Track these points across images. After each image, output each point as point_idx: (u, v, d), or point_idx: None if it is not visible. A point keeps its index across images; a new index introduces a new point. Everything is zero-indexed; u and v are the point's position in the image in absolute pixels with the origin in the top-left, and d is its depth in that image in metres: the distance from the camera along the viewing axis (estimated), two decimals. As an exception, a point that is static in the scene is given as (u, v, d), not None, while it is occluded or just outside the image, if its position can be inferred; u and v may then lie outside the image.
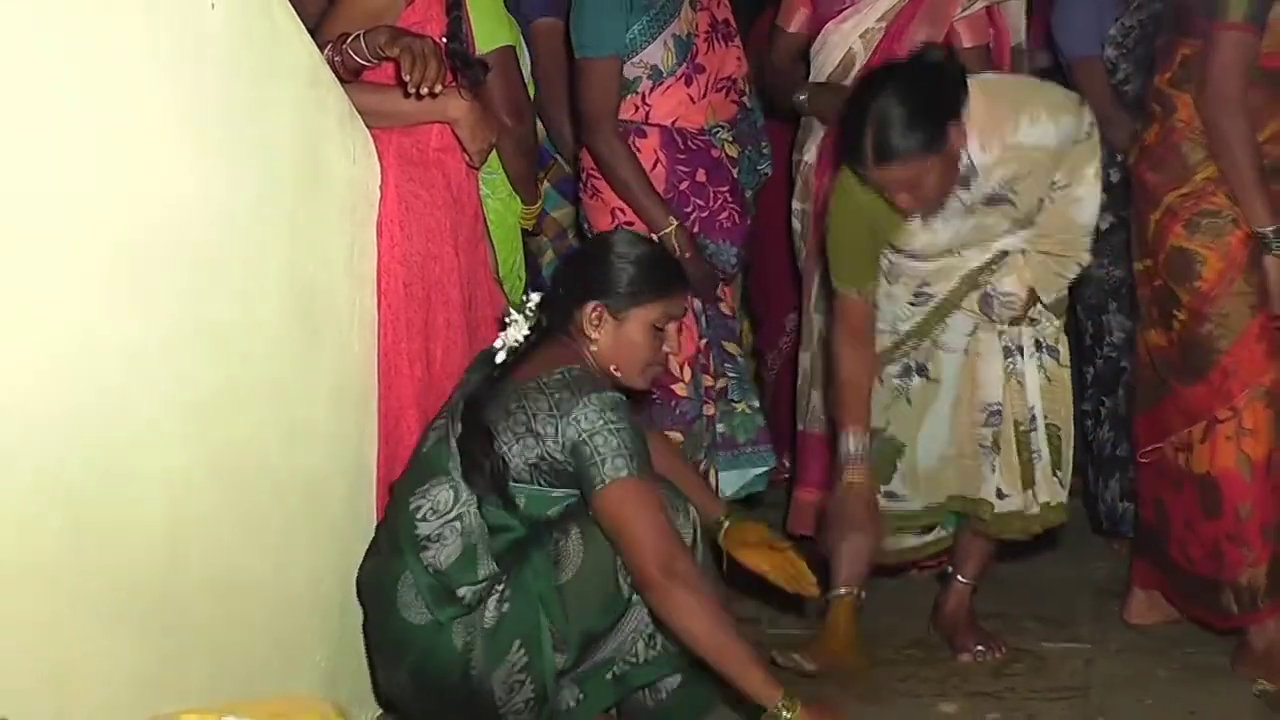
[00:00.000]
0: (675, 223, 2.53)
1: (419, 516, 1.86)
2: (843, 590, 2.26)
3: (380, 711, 2.14)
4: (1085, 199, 2.26)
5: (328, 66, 2.03)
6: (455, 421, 1.89)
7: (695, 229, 2.61)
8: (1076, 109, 2.22)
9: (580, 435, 1.80)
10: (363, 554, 2.07)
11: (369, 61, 2.07)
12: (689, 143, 2.60)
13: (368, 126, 2.12)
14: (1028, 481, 2.33)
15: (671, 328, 2.03)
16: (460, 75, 2.14)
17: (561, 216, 3.00)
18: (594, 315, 1.94)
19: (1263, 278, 2.24)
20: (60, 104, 1.45)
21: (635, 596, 1.84)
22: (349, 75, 2.09)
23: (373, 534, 2.09)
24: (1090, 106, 3.08)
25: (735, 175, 2.66)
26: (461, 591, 1.83)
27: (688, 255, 2.51)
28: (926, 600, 2.49)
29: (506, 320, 1.99)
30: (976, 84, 2.15)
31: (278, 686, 1.84)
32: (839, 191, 2.27)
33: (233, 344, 1.80)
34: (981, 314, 2.33)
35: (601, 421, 1.80)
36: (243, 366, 1.83)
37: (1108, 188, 3.11)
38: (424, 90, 1.99)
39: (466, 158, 2.24)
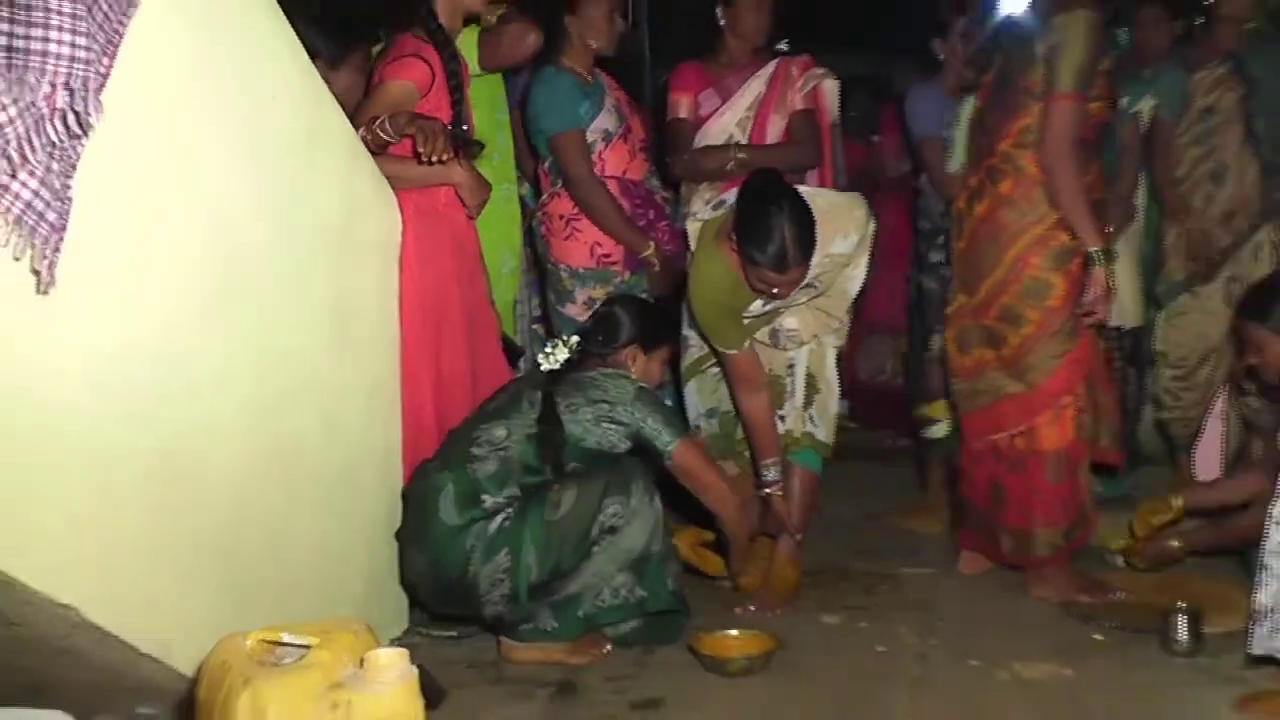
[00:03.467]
0: (652, 244, 2.91)
1: (476, 443, 2.24)
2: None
3: (407, 626, 2.38)
4: (857, 276, 2.63)
5: (362, 143, 2.23)
6: (532, 396, 2.27)
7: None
8: (867, 217, 2.55)
9: (636, 413, 2.28)
10: (388, 521, 2.29)
11: (393, 138, 2.26)
12: (637, 190, 2.98)
13: (392, 187, 2.33)
14: (776, 406, 2.66)
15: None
16: (461, 151, 2.36)
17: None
18: (632, 355, 2.43)
19: (1088, 285, 2.43)
20: (163, 175, 1.63)
21: (596, 549, 2.17)
22: (378, 149, 2.27)
23: (398, 505, 2.31)
24: (932, 170, 3.41)
25: (668, 214, 3.06)
26: (485, 499, 2.20)
27: (658, 268, 2.91)
28: (813, 534, 2.73)
29: (550, 350, 2.36)
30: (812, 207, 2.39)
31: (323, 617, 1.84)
32: (700, 288, 2.51)
33: (286, 357, 1.97)
34: (770, 343, 2.70)
35: (652, 405, 2.31)
36: (293, 375, 2.00)
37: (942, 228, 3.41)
38: (433, 159, 2.20)
39: (466, 211, 2.48)
